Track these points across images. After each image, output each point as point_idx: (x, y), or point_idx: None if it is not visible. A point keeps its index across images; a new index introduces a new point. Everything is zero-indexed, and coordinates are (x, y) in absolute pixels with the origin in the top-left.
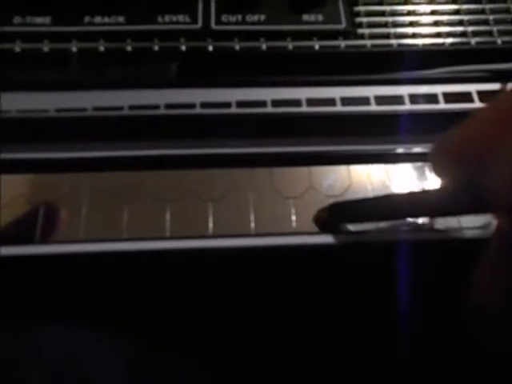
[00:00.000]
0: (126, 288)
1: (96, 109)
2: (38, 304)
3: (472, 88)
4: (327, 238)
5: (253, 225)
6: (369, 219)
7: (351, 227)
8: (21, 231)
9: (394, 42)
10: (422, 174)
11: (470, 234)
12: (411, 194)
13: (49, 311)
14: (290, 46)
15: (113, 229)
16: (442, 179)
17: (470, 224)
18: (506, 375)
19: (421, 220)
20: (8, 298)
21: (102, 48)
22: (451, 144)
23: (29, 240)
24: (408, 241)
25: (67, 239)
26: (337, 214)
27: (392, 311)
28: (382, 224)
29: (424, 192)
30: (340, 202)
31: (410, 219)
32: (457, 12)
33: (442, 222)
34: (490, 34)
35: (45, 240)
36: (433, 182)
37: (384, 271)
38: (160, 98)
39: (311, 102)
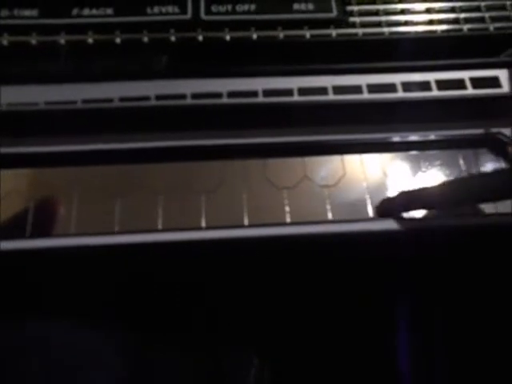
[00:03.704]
0: (120, 282)
1: (85, 101)
2: (34, 298)
3: (465, 75)
4: (324, 228)
5: (246, 216)
6: (439, 205)
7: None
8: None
9: (385, 30)
10: (416, 163)
11: None
12: (479, 178)
13: (46, 305)
14: (281, 35)
15: (105, 222)
16: None
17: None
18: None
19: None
20: (4, 292)
21: (90, 40)
22: None
23: (21, 234)
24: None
25: (59, 233)
26: (405, 201)
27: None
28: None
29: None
30: (408, 190)
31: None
32: None
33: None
34: (482, 20)
35: (37, 234)
36: (427, 170)
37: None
38: (150, 90)
39: (303, 91)
